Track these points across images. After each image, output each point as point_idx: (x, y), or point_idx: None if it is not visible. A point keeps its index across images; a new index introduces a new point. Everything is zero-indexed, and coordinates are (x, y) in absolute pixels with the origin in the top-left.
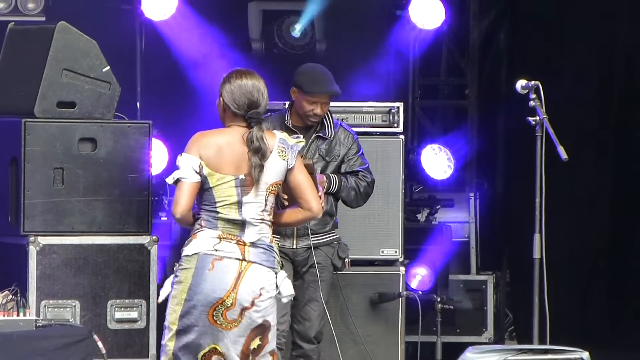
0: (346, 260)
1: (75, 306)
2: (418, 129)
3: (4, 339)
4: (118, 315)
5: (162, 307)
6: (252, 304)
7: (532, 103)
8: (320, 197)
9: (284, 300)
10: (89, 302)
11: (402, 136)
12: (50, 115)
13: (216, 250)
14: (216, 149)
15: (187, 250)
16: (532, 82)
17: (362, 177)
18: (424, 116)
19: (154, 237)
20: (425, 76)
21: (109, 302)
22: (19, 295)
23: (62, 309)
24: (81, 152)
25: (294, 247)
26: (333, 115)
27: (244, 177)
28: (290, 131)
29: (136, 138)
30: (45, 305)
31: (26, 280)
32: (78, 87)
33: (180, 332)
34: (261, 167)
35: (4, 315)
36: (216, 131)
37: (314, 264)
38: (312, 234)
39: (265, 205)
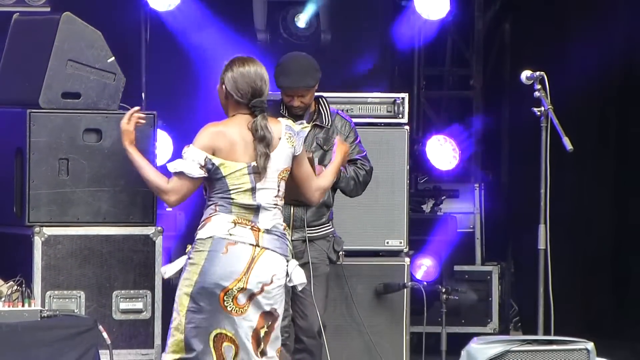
0: (340, 253)
1: (80, 297)
2: (423, 119)
3: (9, 330)
4: (123, 305)
5: (167, 298)
6: (262, 290)
7: (537, 94)
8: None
9: (299, 288)
10: (94, 292)
11: (407, 127)
12: (55, 105)
13: (230, 234)
14: (229, 138)
15: (201, 233)
16: (537, 73)
17: (360, 165)
18: (429, 107)
19: (159, 228)
20: (430, 67)
21: (114, 292)
22: (24, 285)
23: (67, 300)
24: (86, 142)
25: (290, 238)
26: (332, 103)
27: (255, 165)
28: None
29: (141, 129)
30: (50, 296)
31: (31, 270)
32: (83, 78)
33: (190, 313)
34: (267, 156)
35: (9, 306)
36: (226, 121)
37: (309, 260)
38: (307, 226)
39: (278, 191)
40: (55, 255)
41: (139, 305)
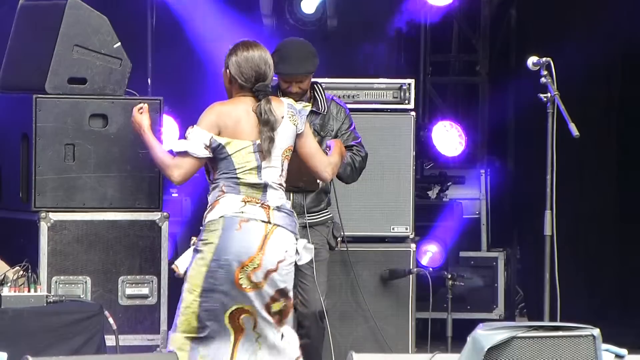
0: (339, 239)
1: (86, 282)
2: (429, 105)
3: (15, 315)
4: (129, 291)
5: (172, 284)
6: (277, 267)
7: (543, 80)
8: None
9: (301, 263)
10: (100, 278)
11: (413, 113)
12: (61, 91)
13: (242, 212)
14: (234, 117)
15: (211, 215)
16: (544, 59)
17: (356, 151)
18: (435, 93)
19: (165, 214)
20: (437, 53)
21: (120, 278)
22: (30, 271)
23: (73, 285)
24: (92, 128)
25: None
26: (337, 89)
27: (260, 143)
28: None
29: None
30: (56, 281)
31: (37, 256)
32: (89, 63)
33: (205, 292)
34: (271, 139)
35: (15, 291)
36: (232, 101)
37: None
38: (307, 213)
39: (282, 170)
40: (61, 240)
41: (144, 290)
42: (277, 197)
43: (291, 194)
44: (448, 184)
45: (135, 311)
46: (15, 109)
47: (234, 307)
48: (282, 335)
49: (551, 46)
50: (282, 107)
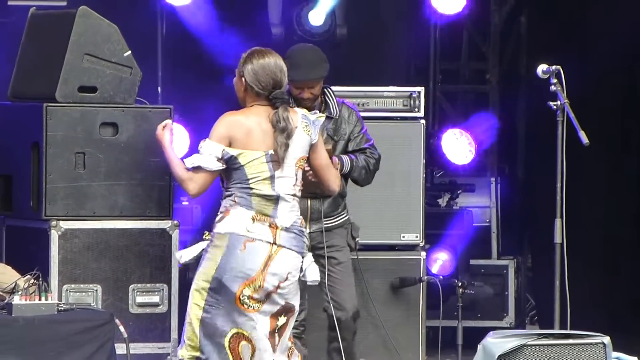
0: (357, 239)
1: (97, 290)
2: (439, 113)
3: (26, 323)
4: (140, 299)
5: (183, 292)
6: (278, 287)
7: (553, 88)
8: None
9: (308, 283)
10: (111, 286)
11: (423, 121)
12: (71, 99)
13: (249, 231)
14: (246, 128)
15: (219, 227)
16: (553, 67)
17: (370, 154)
18: (445, 101)
19: (176, 222)
20: (446, 61)
21: (131, 286)
22: (40, 279)
23: (83, 293)
24: (102, 136)
25: (308, 230)
26: (348, 97)
27: (273, 153)
28: None
29: (157, 123)
30: (67, 290)
31: (48, 264)
32: (99, 72)
33: (207, 307)
34: (287, 146)
35: (26, 300)
36: (244, 111)
37: (330, 246)
38: (325, 217)
39: (296, 179)
40: (72, 248)
41: (155, 298)
42: (288, 210)
43: (309, 200)
44: (458, 192)
45: (146, 319)
46: (25, 118)
47: (234, 331)
48: None
49: (561, 54)
50: (297, 117)
